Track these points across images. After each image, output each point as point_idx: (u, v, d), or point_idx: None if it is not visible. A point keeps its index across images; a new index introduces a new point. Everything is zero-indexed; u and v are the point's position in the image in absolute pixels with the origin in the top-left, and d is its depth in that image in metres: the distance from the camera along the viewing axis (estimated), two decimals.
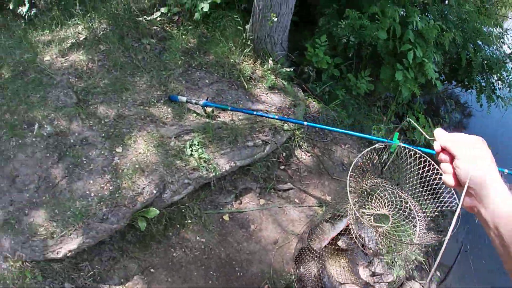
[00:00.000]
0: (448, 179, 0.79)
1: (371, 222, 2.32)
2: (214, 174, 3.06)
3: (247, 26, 4.07)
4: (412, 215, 2.36)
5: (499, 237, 0.68)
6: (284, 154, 3.69)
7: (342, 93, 4.03)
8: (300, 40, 4.52)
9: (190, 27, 4.30)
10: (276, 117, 2.99)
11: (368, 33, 3.76)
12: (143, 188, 2.86)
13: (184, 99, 3.38)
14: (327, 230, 2.89)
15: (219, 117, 3.46)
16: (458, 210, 0.78)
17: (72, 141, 3.20)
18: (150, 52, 4.02)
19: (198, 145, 3.07)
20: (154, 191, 2.86)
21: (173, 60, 3.87)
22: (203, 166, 3.03)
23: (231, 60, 3.92)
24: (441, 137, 0.81)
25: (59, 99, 3.48)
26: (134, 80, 3.69)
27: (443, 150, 0.81)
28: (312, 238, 2.89)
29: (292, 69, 3.94)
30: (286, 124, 3.62)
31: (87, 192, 2.90)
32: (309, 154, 3.85)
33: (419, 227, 2.30)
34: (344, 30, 3.85)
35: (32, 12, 4.46)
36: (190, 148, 3.05)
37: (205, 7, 4.20)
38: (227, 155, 3.17)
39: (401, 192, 2.37)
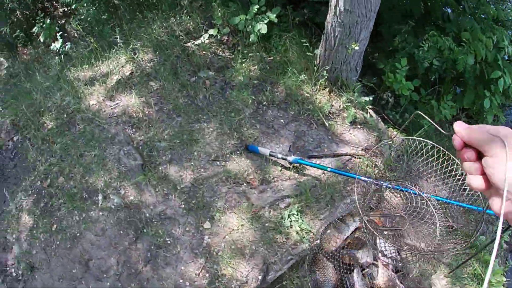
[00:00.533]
0: (476, 181, 0.65)
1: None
2: (317, 243, 2.67)
3: (317, 51, 3.56)
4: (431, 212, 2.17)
5: None
6: (375, 198, 3.28)
7: (426, 122, 3.58)
8: (368, 57, 4.03)
9: (248, 52, 3.79)
10: (392, 186, 2.54)
11: (453, 57, 3.31)
12: (247, 275, 2.47)
13: (267, 152, 2.93)
14: (342, 230, 2.75)
15: (307, 169, 3.02)
16: (501, 221, 0.60)
17: (147, 215, 2.78)
18: (211, 88, 3.53)
19: (297, 214, 2.66)
20: (259, 277, 2.47)
21: (240, 98, 3.39)
22: (306, 239, 2.62)
23: (305, 93, 3.44)
24: (464, 131, 0.66)
25: (121, 161, 3.03)
26: (200, 127, 3.23)
27: (466, 146, 0.67)
28: (324, 238, 2.70)
29: (371, 98, 3.47)
30: (376, 169, 3.20)
31: (180, 281, 2.51)
32: (398, 195, 3.44)
33: (439, 225, 2.14)
34: (427, 53, 3.37)
35: (67, 47, 3.92)
36: (289, 219, 2.64)
37: (263, 28, 3.68)
38: (326, 220, 2.77)
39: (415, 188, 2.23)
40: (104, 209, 2.84)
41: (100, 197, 2.89)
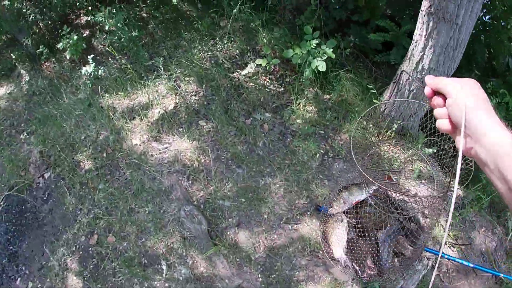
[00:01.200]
0: (443, 124, 0.73)
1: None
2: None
3: (382, 99, 3.36)
4: None
5: (503, 179, 0.62)
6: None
7: (484, 176, 3.50)
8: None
9: (303, 89, 3.53)
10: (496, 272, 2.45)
11: None
12: None
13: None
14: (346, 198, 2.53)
15: None
16: (460, 154, 0.67)
17: None
18: (270, 133, 3.26)
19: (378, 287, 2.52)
20: None
21: (303, 147, 3.16)
22: None
23: (369, 143, 3.25)
24: (432, 80, 0.76)
25: (184, 225, 2.75)
26: (265, 182, 2.98)
27: (436, 94, 0.76)
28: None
29: (435, 150, 3.33)
30: (440, 225, 3.13)
31: None
32: (454, 249, 3.38)
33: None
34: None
35: (100, 71, 3.49)
36: None
37: (321, 65, 3.41)
38: None
39: None
40: (170, 280, 2.58)
41: (163, 266, 2.62)
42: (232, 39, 3.92)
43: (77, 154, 3.25)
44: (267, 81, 3.71)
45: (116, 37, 3.54)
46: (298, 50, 3.57)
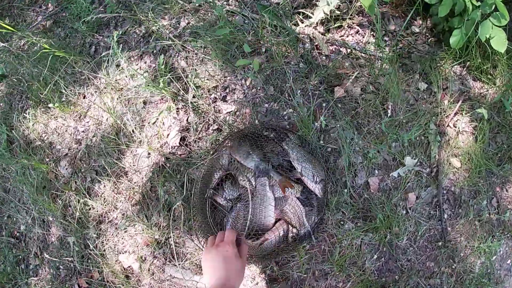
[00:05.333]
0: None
1: None
2: None
3: None
4: None
5: None
6: None
7: None
8: None
9: (439, 66, 1.67)
10: None
11: None
12: None
13: None
14: None
15: None
16: None
17: None
18: (417, 207, 1.56)
19: None
20: None
21: (468, 240, 1.60)
22: None
23: None
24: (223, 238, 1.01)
25: None
26: None
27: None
28: None
29: None
30: None
31: None
32: None
33: None
34: None
35: None
36: None
37: (498, 40, 1.45)
38: None
39: None
40: None
41: None
42: None
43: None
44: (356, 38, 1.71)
45: None
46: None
